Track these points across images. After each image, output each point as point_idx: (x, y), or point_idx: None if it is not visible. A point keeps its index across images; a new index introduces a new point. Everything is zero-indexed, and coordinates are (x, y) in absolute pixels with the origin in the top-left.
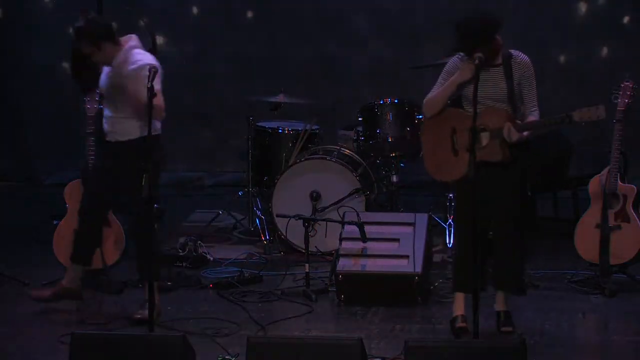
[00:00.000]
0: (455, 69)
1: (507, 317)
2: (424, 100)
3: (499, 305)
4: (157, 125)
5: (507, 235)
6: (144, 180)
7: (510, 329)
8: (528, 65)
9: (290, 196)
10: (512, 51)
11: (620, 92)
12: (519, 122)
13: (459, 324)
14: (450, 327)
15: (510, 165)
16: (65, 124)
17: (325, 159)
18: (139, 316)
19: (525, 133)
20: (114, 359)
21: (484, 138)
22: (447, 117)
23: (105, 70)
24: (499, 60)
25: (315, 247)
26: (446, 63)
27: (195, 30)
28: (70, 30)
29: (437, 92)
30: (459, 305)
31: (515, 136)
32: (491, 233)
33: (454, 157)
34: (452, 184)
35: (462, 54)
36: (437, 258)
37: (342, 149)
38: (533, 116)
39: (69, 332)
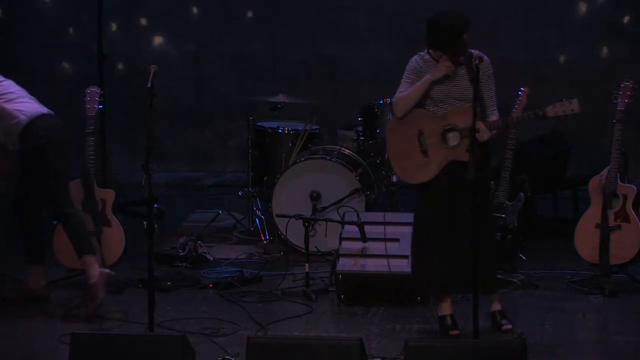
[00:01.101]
0: (418, 67)
1: (505, 316)
2: (395, 100)
3: (495, 306)
4: (18, 116)
5: (482, 237)
6: (144, 180)
7: (510, 326)
8: (488, 64)
9: (290, 196)
10: (472, 51)
11: (620, 92)
12: (488, 120)
13: (454, 331)
14: (439, 327)
15: (479, 166)
16: (65, 124)
17: (325, 159)
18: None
19: (494, 131)
20: (114, 359)
21: (453, 138)
22: (412, 118)
23: None
24: (461, 60)
25: (315, 247)
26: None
27: (195, 30)
28: (71, 30)
29: (411, 91)
30: (446, 303)
31: (486, 135)
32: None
33: (423, 158)
34: (420, 185)
35: (422, 53)
36: None
37: (342, 149)
38: (494, 115)
39: (69, 332)
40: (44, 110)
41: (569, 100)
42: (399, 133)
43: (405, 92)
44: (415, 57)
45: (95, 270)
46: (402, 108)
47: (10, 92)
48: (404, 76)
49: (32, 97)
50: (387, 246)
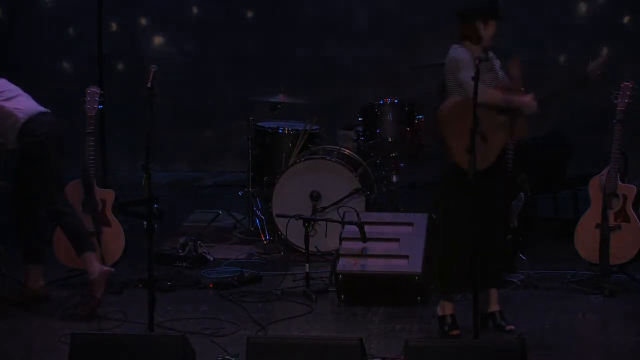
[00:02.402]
0: (471, 58)
1: (504, 317)
2: (487, 91)
3: (494, 306)
4: (17, 114)
5: (500, 230)
6: (144, 180)
7: (513, 326)
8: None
9: (290, 196)
10: None
11: (620, 92)
12: (538, 96)
13: (454, 331)
14: (439, 327)
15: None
16: (66, 124)
17: (325, 159)
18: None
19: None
20: (114, 359)
21: (502, 119)
22: (464, 107)
23: None
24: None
25: (315, 247)
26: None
27: (195, 30)
28: (71, 30)
29: (500, 97)
30: (448, 303)
31: (535, 107)
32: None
33: (482, 145)
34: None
35: (458, 47)
36: None
37: (342, 149)
38: None
39: (69, 332)
40: (41, 108)
41: (598, 56)
42: (454, 124)
43: (496, 93)
44: (460, 49)
45: (95, 267)
46: (486, 101)
47: (8, 90)
48: (464, 66)
49: (27, 94)
50: (387, 246)
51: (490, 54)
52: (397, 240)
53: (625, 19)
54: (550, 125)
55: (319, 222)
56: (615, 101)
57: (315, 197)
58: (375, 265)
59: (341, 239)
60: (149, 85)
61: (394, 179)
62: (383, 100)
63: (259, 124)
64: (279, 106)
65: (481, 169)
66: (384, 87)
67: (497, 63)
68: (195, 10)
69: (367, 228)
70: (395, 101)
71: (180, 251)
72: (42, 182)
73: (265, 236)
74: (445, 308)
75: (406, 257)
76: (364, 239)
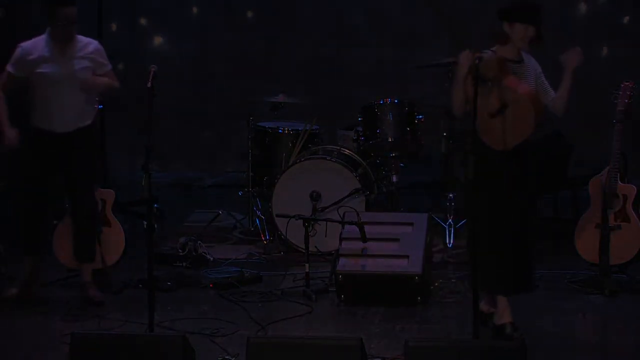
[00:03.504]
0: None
1: None
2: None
3: (495, 306)
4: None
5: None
6: (144, 180)
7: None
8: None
9: (290, 196)
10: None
11: (620, 92)
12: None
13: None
14: (498, 335)
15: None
16: None
17: (325, 159)
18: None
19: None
20: (114, 359)
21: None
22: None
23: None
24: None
25: (315, 247)
26: (445, 63)
27: (195, 30)
28: None
29: (451, 92)
30: (507, 309)
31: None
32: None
33: (505, 117)
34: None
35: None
36: (437, 258)
37: (342, 149)
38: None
39: (69, 332)
40: None
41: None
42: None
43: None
44: (488, 51)
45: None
46: (454, 109)
47: None
48: None
49: None
50: (387, 246)
51: (527, 60)
52: (397, 240)
53: (625, 19)
54: (550, 125)
55: (319, 222)
56: (615, 101)
57: (315, 197)
58: (375, 265)
59: (341, 239)
60: (149, 85)
61: (394, 179)
62: (383, 100)
63: (259, 124)
64: (281, 106)
65: (509, 148)
66: (384, 87)
67: (532, 69)
68: (195, 10)
69: (367, 228)
70: (395, 101)
71: (180, 251)
72: (92, 177)
73: (265, 236)
74: (504, 314)
75: (406, 257)
76: (364, 239)
